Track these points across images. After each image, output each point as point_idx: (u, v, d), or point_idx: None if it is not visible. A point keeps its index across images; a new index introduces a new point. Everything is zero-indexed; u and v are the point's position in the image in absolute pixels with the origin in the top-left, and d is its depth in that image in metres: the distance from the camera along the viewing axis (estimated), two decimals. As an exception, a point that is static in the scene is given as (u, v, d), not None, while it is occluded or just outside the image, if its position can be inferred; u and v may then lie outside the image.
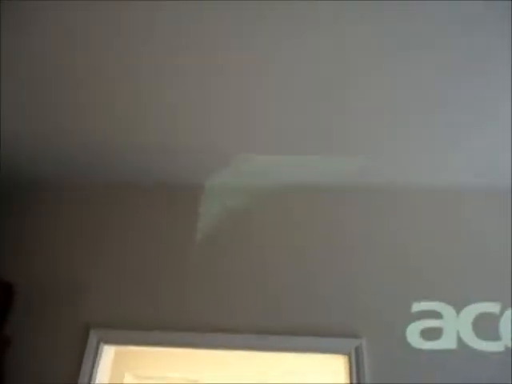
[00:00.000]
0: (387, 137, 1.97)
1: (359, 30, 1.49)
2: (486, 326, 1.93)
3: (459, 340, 1.93)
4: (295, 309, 2.06)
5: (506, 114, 1.79)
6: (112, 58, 1.65)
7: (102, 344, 2.03)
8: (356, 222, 2.23)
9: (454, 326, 1.95)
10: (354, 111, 1.85)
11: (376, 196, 2.25)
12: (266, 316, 2.05)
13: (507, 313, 1.93)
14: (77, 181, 2.37)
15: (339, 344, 1.98)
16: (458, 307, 1.98)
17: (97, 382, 1.96)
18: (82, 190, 2.38)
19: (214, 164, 2.22)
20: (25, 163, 2.28)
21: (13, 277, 2.10)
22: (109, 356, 2.08)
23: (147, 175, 2.33)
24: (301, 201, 2.27)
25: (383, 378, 1.88)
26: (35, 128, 2.04)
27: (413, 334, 1.96)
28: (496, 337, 1.90)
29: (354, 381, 1.89)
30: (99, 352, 2.00)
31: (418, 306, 2.00)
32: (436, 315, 1.98)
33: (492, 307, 1.95)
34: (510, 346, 1.89)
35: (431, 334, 1.95)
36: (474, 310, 1.96)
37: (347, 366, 1.93)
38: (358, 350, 1.95)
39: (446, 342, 1.93)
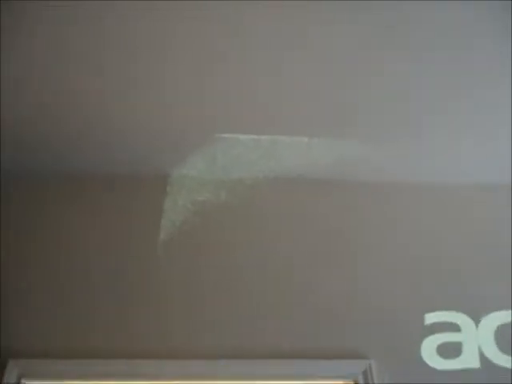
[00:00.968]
0: (387, 132, 1.75)
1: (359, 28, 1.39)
2: (509, 339, 1.65)
3: (482, 356, 1.62)
4: (287, 328, 1.64)
5: (506, 110, 1.69)
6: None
7: (23, 380, 1.46)
8: (357, 224, 1.87)
9: (475, 340, 1.65)
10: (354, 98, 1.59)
11: (377, 196, 1.92)
12: (251, 338, 1.61)
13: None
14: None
15: (344, 367, 1.58)
16: (476, 317, 1.69)
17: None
18: None
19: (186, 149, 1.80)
20: None
21: None
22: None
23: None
24: (293, 194, 1.88)
25: (398, 407, 1.51)
26: None
27: (429, 350, 1.62)
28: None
29: (365, 412, 1.50)
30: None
31: (431, 318, 1.68)
32: (453, 327, 1.67)
33: (513, 316, 1.68)
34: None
35: (449, 350, 1.63)
36: (494, 319, 1.68)
37: (355, 394, 1.54)
38: (366, 373, 1.56)
39: (468, 360, 1.62)
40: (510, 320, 1.67)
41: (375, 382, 1.55)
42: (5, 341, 1.49)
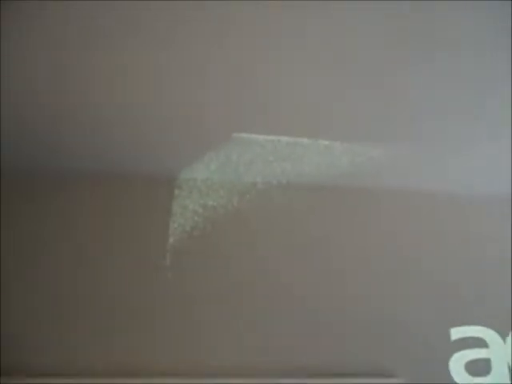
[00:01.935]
0: (386, 138, 1.65)
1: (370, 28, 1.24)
2: (537, 355, 1.58)
3: (512, 373, 1.55)
4: (308, 344, 1.53)
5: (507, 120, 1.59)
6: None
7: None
8: (381, 235, 1.76)
9: (504, 356, 1.57)
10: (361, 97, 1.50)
11: (401, 204, 1.83)
12: (270, 355, 1.49)
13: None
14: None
15: (371, 386, 1.48)
16: (503, 333, 1.61)
17: None
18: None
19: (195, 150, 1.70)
20: None
21: None
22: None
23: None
24: (307, 200, 1.78)
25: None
26: None
27: (457, 367, 1.53)
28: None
29: None
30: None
31: (457, 333, 1.60)
32: (480, 343, 1.59)
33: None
34: None
35: (479, 366, 1.54)
36: (522, 335, 1.61)
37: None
38: (393, 392, 1.47)
39: (497, 377, 1.54)
40: (537, 335, 1.61)
41: (404, 401, 1.46)
42: None
